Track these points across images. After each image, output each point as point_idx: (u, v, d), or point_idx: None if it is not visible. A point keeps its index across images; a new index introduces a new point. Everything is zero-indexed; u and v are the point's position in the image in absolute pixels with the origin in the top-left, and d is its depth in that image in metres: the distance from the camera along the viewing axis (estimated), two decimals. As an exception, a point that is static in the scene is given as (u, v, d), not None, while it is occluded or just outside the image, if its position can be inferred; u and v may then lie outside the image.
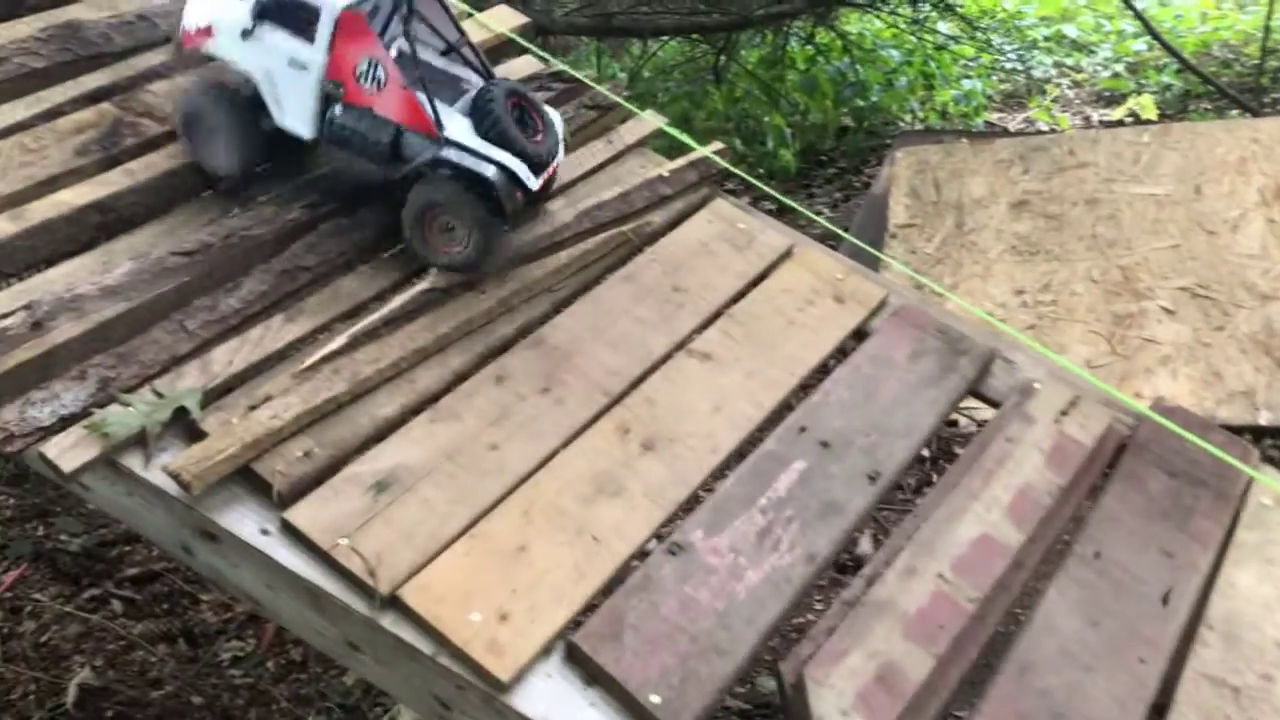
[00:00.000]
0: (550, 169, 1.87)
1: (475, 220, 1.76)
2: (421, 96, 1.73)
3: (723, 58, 6.13)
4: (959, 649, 1.47)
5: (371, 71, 1.72)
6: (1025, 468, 1.73)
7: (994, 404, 1.91)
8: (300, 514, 1.45)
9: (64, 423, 1.47)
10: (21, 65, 1.97)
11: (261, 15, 1.74)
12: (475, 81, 1.92)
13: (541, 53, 2.43)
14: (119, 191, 1.80)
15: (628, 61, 6.86)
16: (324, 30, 1.70)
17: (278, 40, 1.74)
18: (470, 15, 2.47)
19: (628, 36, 4.66)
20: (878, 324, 1.99)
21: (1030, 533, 1.64)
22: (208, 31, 1.78)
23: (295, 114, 1.77)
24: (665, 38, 5.38)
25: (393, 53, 1.84)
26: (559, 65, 2.41)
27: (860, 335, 1.98)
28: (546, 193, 2.01)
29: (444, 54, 1.96)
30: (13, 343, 1.51)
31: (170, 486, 1.45)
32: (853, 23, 6.64)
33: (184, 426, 1.53)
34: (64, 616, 2.88)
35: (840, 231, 2.41)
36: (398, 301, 1.76)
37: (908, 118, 6.14)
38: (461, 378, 1.72)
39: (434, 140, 1.73)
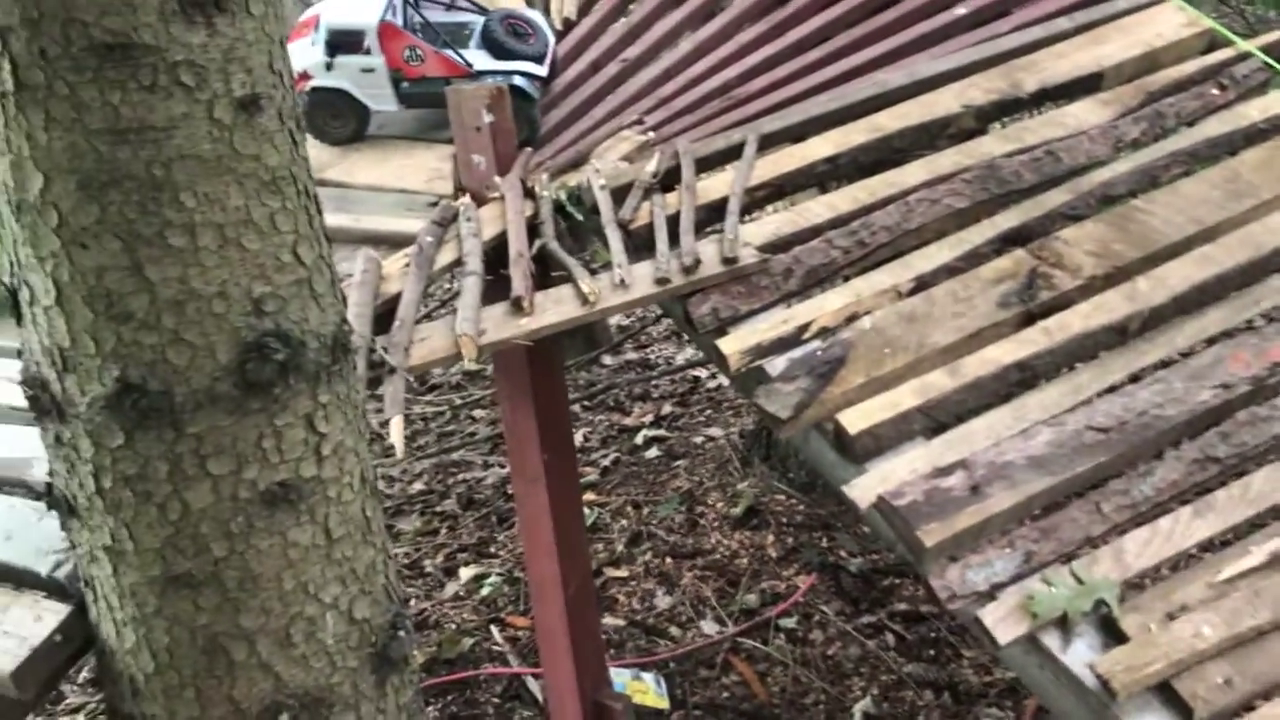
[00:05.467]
0: (549, 54, 2.66)
1: (517, 110, 2.44)
2: (449, 52, 2.53)
3: None
4: None
5: (413, 53, 2.52)
6: None
7: None
8: (1219, 747, 1.47)
9: (994, 590, 1.65)
10: (948, 206, 2.20)
11: (332, 50, 2.52)
12: (475, 19, 2.69)
13: None
14: (1037, 352, 1.94)
15: None
16: (373, 43, 2.51)
17: (349, 61, 2.53)
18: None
19: None
20: None
21: None
22: (305, 77, 2.56)
23: (380, 100, 2.59)
24: None
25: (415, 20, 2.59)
26: None
27: None
28: (554, 70, 2.72)
29: (448, 8, 2.76)
30: (957, 505, 1.72)
31: (1086, 677, 1.56)
32: None
33: (1098, 617, 1.62)
34: (845, 635, 3.28)
35: None
36: (1325, 518, 1.67)
37: None
38: (1393, 621, 1.58)
39: (471, 76, 2.50)
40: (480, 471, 4.99)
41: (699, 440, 4.85)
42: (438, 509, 4.68)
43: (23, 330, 1.42)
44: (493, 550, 4.25)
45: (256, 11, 1.35)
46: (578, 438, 5.04)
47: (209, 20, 1.30)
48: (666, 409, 5.31)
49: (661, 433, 5.03)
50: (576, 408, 5.34)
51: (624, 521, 4.18)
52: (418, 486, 4.94)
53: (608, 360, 5.80)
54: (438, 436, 5.45)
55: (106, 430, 1.38)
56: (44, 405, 1.42)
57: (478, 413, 5.57)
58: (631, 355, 5.97)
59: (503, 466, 4.79)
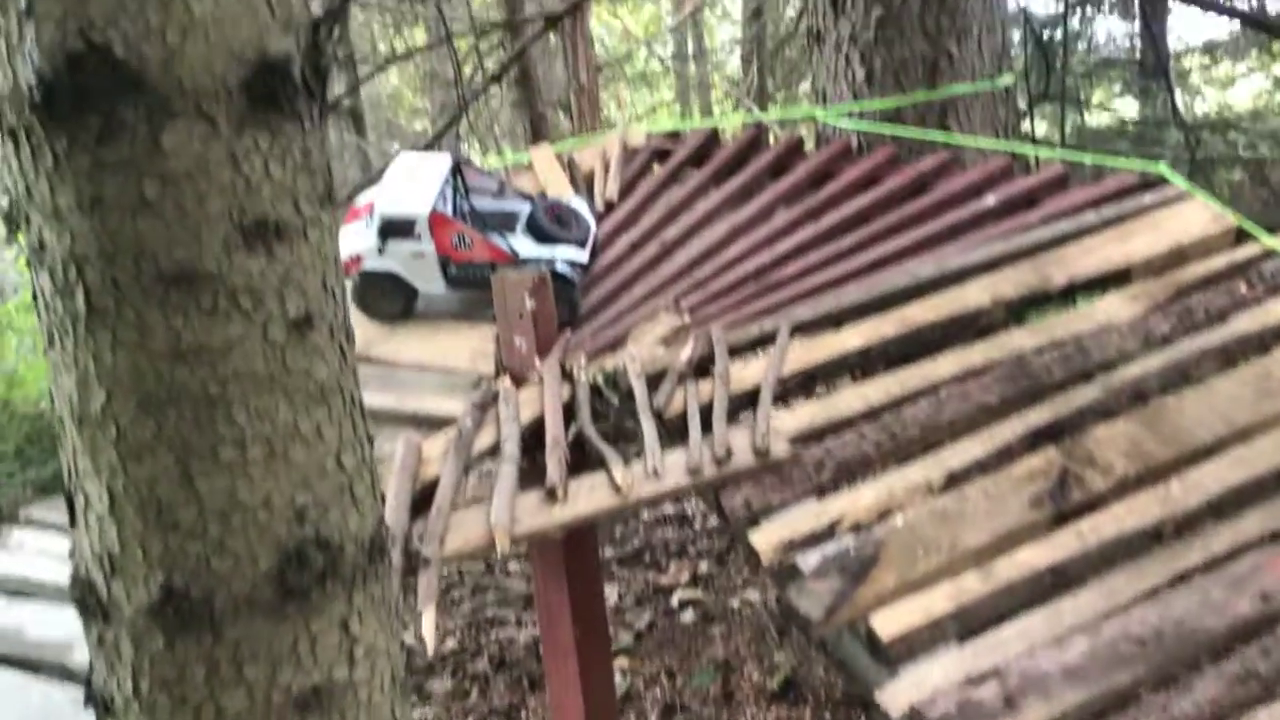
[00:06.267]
0: (590, 239, 2.87)
1: (559, 294, 2.57)
2: (496, 238, 2.75)
3: None
4: None
5: (461, 240, 2.71)
6: None
7: None
8: None
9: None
10: (979, 401, 2.22)
11: (384, 236, 2.71)
12: (522, 205, 2.94)
13: None
14: (1071, 555, 1.93)
15: None
16: (424, 230, 2.71)
17: (400, 247, 2.71)
18: None
19: None
20: None
21: None
22: (357, 260, 2.75)
23: (428, 282, 2.78)
24: None
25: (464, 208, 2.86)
26: None
27: None
28: (595, 253, 2.93)
29: (495, 195, 2.99)
30: (990, 717, 1.69)
31: None
32: None
33: (1140, 844, 1.57)
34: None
35: None
36: (1371, 743, 1.62)
37: None
38: None
39: (515, 262, 2.70)
40: (513, 630, 4.94)
41: (736, 604, 4.78)
42: (469, 669, 4.62)
43: (75, 533, 1.47)
44: (523, 716, 4.17)
45: (313, 237, 1.44)
46: (611, 596, 4.99)
47: (269, 248, 1.38)
48: (703, 567, 5.26)
49: (698, 594, 4.97)
50: (611, 564, 5.31)
51: (657, 691, 4.10)
52: (450, 644, 4.89)
53: (644, 513, 5.78)
54: (472, 591, 5.42)
55: (148, 634, 1.42)
56: (90, 608, 1.46)
57: (513, 566, 5.55)
58: (668, 509, 5.95)
59: (535, 624, 4.74)
